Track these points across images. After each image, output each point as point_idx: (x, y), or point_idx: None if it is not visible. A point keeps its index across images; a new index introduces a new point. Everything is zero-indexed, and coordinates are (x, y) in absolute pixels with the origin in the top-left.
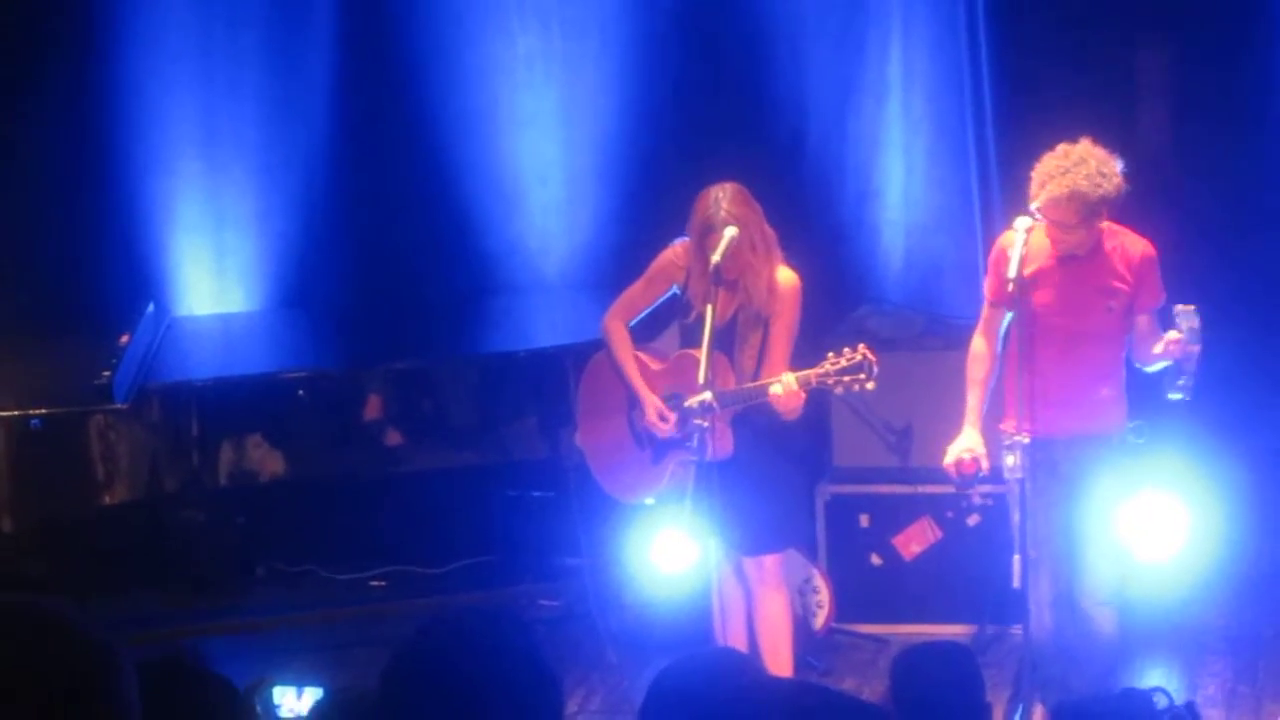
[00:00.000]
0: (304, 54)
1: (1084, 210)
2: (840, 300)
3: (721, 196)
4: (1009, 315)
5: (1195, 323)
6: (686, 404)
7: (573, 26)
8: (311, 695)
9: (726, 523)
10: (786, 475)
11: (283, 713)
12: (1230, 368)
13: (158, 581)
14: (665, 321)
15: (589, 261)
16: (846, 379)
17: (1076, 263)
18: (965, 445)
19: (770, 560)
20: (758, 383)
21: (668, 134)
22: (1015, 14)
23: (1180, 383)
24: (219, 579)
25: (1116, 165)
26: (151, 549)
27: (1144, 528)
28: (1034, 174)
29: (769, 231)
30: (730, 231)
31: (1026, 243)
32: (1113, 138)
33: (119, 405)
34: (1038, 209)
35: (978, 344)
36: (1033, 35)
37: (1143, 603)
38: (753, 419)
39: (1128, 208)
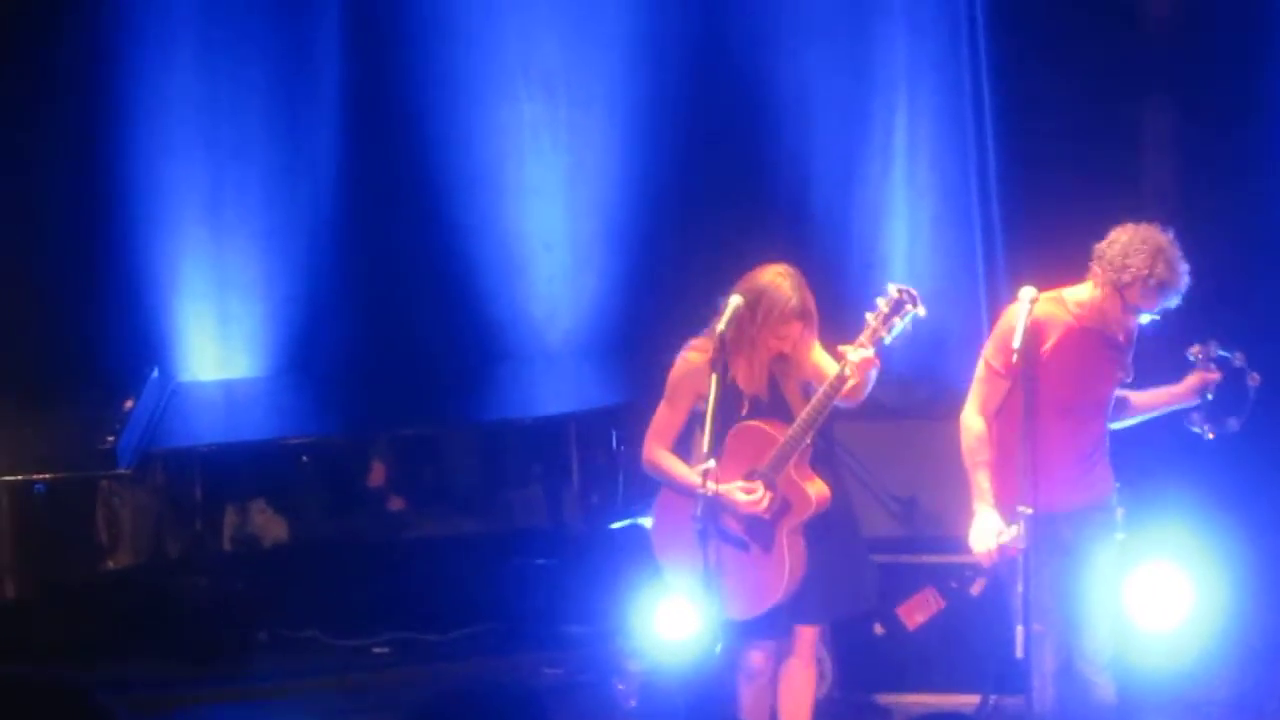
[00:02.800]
0: (310, 119)
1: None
2: None
3: (797, 284)
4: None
5: (1214, 351)
6: (699, 470)
7: (579, 95)
8: None
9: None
10: (852, 536)
11: None
12: (1233, 437)
13: (160, 646)
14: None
15: (594, 329)
16: (897, 320)
17: (1094, 334)
18: (998, 528)
19: (810, 632)
20: (826, 385)
21: (673, 202)
22: (1020, 84)
23: (1234, 420)
24: (222, 644)
25: None
26: (154, 614)
27: (1148, 598)
28: (1159, 266)
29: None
30: (735, 300)
31: (1031, 313)
32: (1117, 204)
33: (123, 470)
34: (1153, 301)
35: (977, 424)
36: (1038, 104)
37: (1145, 673)
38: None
39: None
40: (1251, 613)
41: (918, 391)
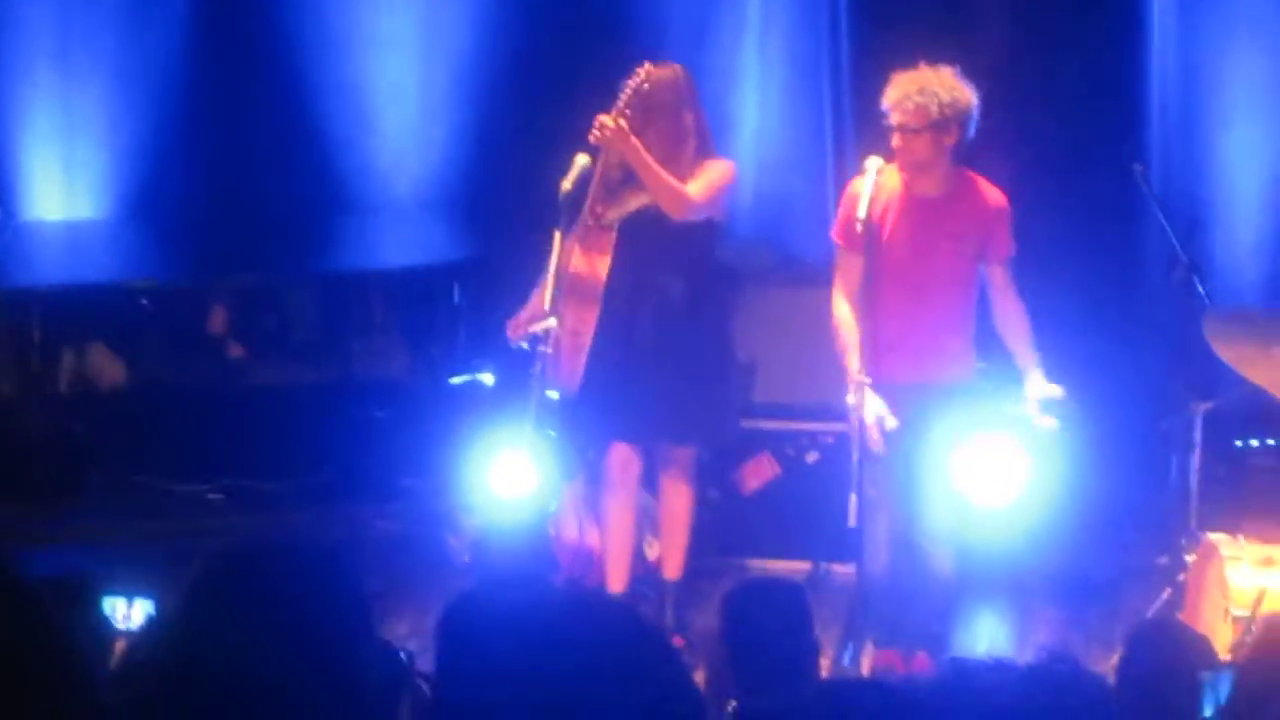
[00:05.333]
0: None
1: (934, 115)
2: None
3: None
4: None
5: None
6: (532, 329)
7: None
8: (142, 607)
9: (644, 408)
10: (715, 367)
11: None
12: (1070, 313)
13: None
14: None
15: (441, 182)
16: (628, 98)
17: (928, 205)
18: (876, 410)
19: (684, 452)
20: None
21: (524, 57)
22: None
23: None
24: (56, 486)
25: (969, 90)
26: None
27: (982, 472)
28: (889, 86)
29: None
30: (581, 160)
31: (877, 183)
32: (974, 78)
33: None
34: (891, 112)
35: (839, 308)
36: None
37: (978, 547)
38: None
39: (981, 150)
40: (1087, 488)
41: (762, 257)
